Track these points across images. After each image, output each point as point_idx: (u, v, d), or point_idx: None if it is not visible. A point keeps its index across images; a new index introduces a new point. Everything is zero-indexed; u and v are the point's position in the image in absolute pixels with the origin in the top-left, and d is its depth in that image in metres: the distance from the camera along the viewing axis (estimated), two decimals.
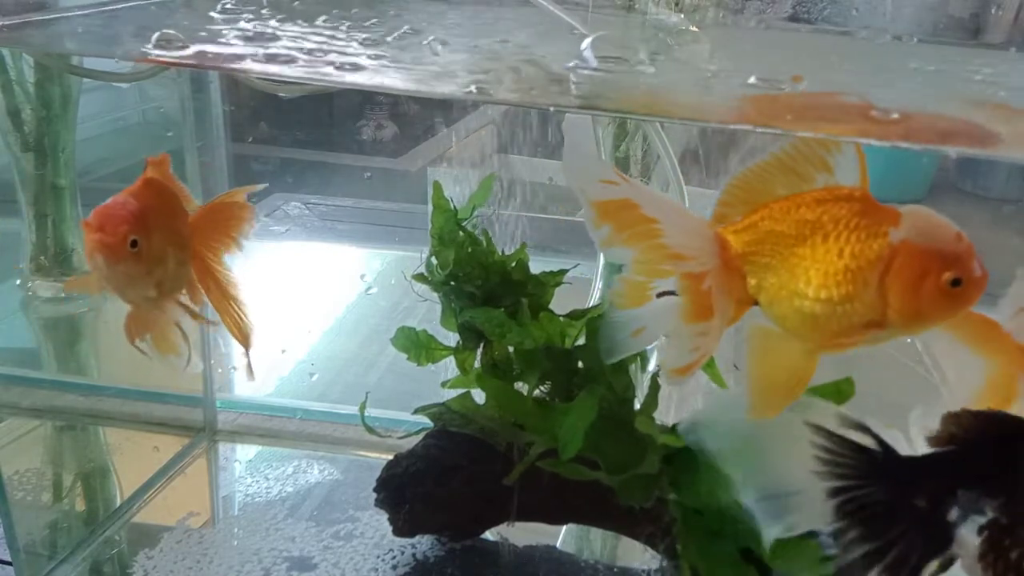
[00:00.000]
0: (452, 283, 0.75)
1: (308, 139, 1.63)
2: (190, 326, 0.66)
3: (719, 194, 0.51)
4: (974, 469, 0.46)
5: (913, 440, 0.49)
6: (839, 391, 0.59)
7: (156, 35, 0.58)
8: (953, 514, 0.46)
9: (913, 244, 0.46)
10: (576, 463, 0.66)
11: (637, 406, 0.68)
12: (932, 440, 0.46)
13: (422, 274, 0.77)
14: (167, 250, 0.60)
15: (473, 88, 0.56)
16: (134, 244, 0.57)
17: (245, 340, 0.68)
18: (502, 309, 0.73)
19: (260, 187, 0.69)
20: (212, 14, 0.68)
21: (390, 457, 0.76)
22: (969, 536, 0.45)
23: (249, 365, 0.69)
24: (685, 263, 0.49)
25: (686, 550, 0.64)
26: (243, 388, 1.06)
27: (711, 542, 0.63)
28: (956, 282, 0.45)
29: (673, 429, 0.66)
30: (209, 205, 0.68)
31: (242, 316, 0.68)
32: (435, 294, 0.78)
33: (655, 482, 0.65)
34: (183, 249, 0.63)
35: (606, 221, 0.50)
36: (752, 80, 0.57)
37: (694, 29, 0.77)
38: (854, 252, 0.47)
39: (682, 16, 0.77)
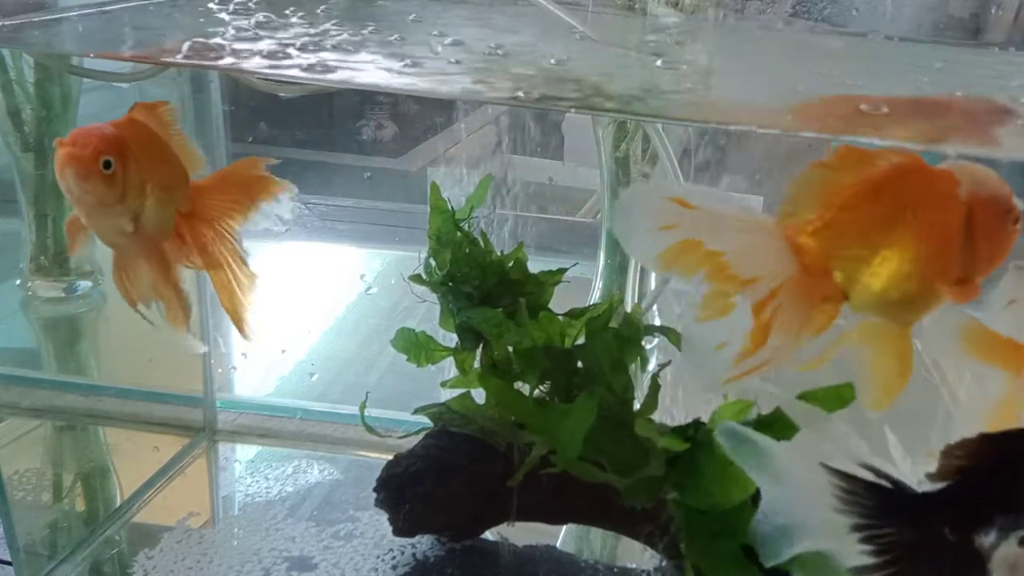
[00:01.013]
0: (449, 284, 0.75)
1: (308, 139, 1.63)
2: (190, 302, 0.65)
3: (786, 196, 0.50)
4: (998, 491, 0.45)
5: (896, 460, 0.49)
6: (840, 396, 0.59)
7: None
8: (991, 537, 0.45)
9: (980, 195, 0.47)
10: (581, 464, 0.66)
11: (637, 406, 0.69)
12: (937, 474, 0.46)
13: (419, 275, 0.77)
14: (147, 187, 0.59)
15: (520, 93, 0.56)
16: (107, 165, 0.56)
17: (238, 319, 0.67)
18: (500, 309, 0.73)
19: (274, 161, 0.67)
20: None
21: (390, 457, 0.76)
22: (1008, 549, 0.45)
23: (242, 327, 0.67)
24: (761, 285, 0.48)
25: (690, 550, 0.64)
26: (243, 388, 1.06)
27: (714, 541, 0.63)
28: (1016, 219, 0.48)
29: (674, 431, 0.66)
30: (221, 171, 0.67)
31: (241, 292, 0.67)
32: (435, 295, 0.78)
33: (660, 484, 0.65)
34: (168, 192, 0.62)
35: (671, 270, 0.48)
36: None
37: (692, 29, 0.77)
38: (944, 219, 0.48)
39: (682, 15, 0.77)
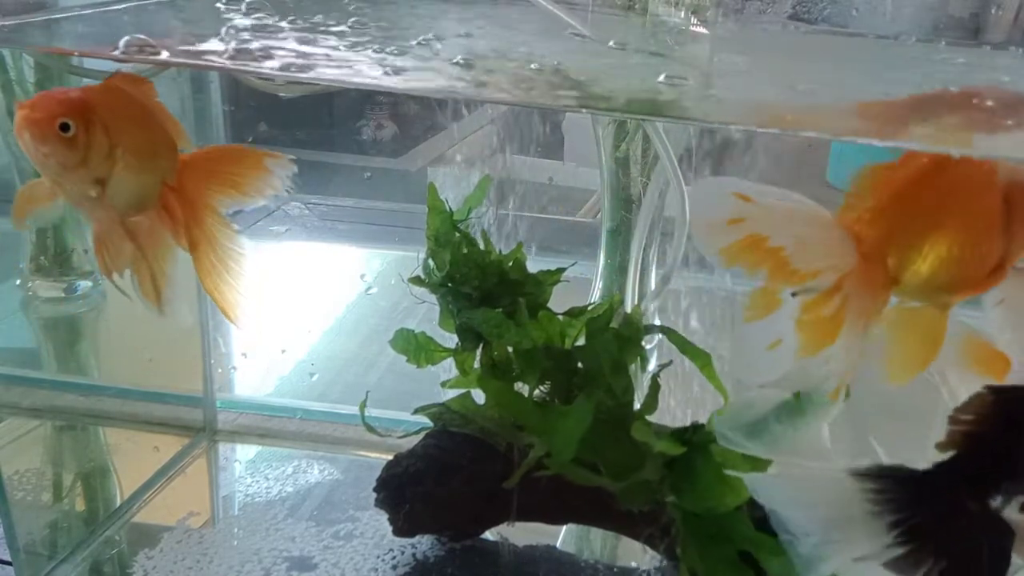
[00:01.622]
0: (449, 284, 0.75)
1: (308, 139, 1.63)
2: (179, 273, 0.64)
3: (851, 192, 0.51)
4: (1004, 452, 0.47)
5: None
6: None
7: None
8: (997, 501, 0.46)
9: (1017, 184, 0.50)
10: (577, 466, 0.66)
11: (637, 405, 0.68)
12: (946, 442, 0.47)
13: (418, 277, 0.77)
14: (116, 151, 0.58)
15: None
16: (65, 128, 0.55)
17: (224, 304, 0.65)
18: (499, 309, 0.73)
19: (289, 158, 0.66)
20: None
21: (390, 457, 0.76)
22: (1010, 515, 0.46)
23: (229, 313, 0.65)
24: (824, 277, 0.49)
25: (686, 553, 0.64)
26: (243, 388, 1.06)
27: (710, 545, 0.63)
28: None
29: (672, 434, 0.66)
30: (213, 148, 0.66)
31: (227, 275, 0.65)
32: (434, 295, 0.78)
33: (656, 487, 0.65)
34: (145, 160, 0.61)
35: (735, 264, 0.49)
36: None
37: (694, 29, 0.77)
38: (988, 206, 0.50)
39: (682, 16, 0.77)
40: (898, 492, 0.46)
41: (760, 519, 0.63)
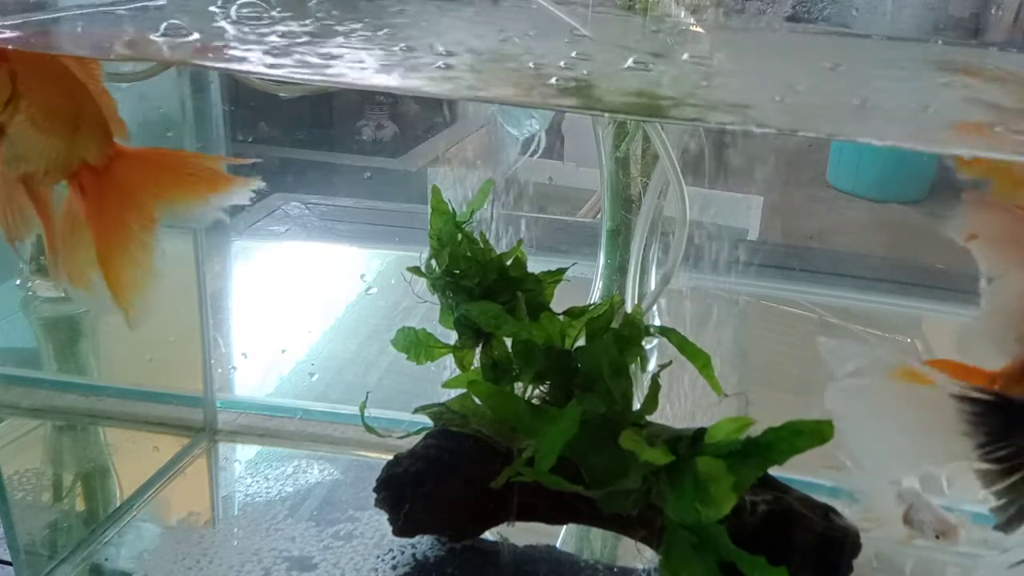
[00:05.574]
0: (449, 279, 0.75)
1: (308, 139, 1.63)
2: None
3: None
4: None
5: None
6: (820, 432, 0.57)
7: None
8: None
9: None
10: (563, 469, 0.65)
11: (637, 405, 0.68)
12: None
13: (417, 267, 0.77)
14: (21, 103, 0.56)
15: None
16: None
17: (122, 299, 0.63)
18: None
19: (250, 161, 0.66)
20: None
21: (390, 457, 0.76)
22: None
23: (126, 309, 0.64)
24: None
25: (668, 559, 0.63)
26: (243, 388, 1.06)
27: (692, 554, 0.62)
28: None
29: (667, 441, 0.65)
30: (164, 149, 0.65)
31: (129, 274, 0.63)
32: (435, 295, 0.78)
33: (641, 495, 0.64)
34: (55, 124, 0.59)
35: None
36: None
37: (695, 29, 0.77)
38: None
39: (683, 15, 0.77)
40: (989, 416, 0.49)
41: (754, 528, 0.63)
